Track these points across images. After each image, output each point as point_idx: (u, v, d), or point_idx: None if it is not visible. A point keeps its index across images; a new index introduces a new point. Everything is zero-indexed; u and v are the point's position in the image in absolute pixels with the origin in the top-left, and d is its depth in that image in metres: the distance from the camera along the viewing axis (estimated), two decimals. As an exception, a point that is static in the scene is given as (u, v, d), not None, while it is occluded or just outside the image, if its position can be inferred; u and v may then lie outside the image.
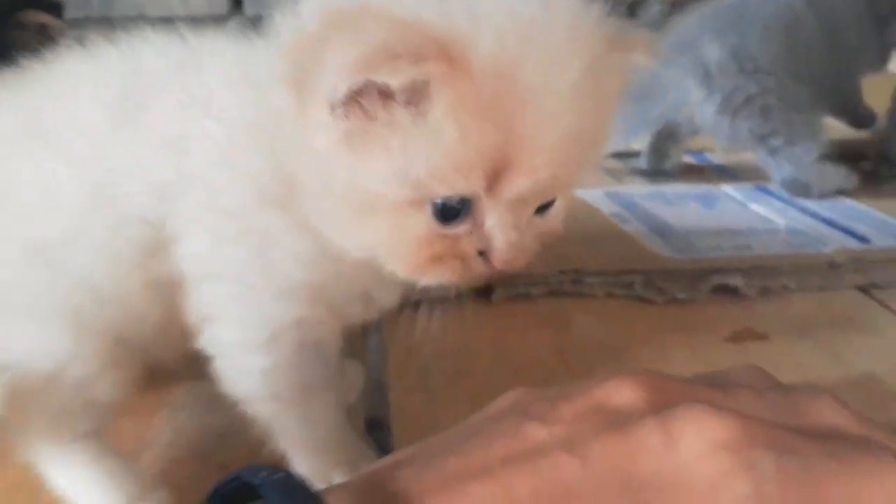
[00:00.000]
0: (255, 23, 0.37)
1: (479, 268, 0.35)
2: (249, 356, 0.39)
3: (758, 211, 0.84)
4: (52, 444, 0.41)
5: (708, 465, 0.28)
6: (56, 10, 0.88)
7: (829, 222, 0.79)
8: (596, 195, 0.88)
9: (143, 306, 0.40)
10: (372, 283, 0.40)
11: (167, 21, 0.40)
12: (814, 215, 0.81)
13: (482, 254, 0.34)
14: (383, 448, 0.46)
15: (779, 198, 0.88)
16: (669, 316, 0.62)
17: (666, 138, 0.98)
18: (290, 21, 0.34)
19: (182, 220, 0.38)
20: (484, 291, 0.64)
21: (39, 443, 0.41)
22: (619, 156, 1.07)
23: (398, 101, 0.31)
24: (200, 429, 0.49)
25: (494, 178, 0.32)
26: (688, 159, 1.06)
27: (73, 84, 0.39)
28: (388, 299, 0.42)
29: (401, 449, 0.33)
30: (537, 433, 0.30)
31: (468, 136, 0.30)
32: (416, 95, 0.30)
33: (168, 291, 0.39)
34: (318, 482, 0.33)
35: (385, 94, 0.30)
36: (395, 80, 0.29)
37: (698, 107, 0.87)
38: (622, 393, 0.32)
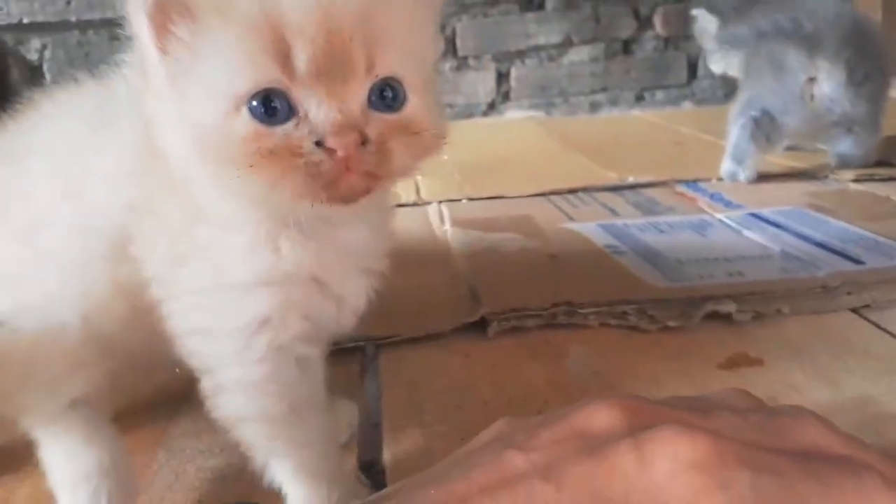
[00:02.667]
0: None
1: (321, 160, 0.35)
2: (230, 369, 0.41)
3: (752, 237, 0.84)
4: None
5: (681, 485, 0.29)
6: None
7: (823, 245, 0.79)
8: (590, 227, 0.89)
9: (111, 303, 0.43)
10: (324, 272, 0.41)
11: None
12: (807, 239, 0.82)
13: (318, 144, 0.35)
14: (378, 488, 0.47)
15: (773, 223, 0.88)
16: (663, 344, 0.62)
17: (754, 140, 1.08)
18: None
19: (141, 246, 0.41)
20: (479, 326, 0.65)
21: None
22: (615, 189, 1.09)
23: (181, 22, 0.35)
24: (198, 471, 0.49)
25: (284, 59, 0.34)
26: (681, 189, 1.07)
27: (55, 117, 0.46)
28: (355, 295, 0.44)
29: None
30: (515, 460, 0.31)
31: (242, 35, 0.34)
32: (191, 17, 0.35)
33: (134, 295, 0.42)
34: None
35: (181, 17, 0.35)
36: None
37: (824, 78, 1.03)
38: (599, 417, 0.33)
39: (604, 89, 1.98)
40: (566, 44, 1.91)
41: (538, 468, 0.30)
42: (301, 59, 0.34)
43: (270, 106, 0.35)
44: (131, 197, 0.41)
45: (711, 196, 1.04)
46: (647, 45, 1.99)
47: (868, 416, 0.51)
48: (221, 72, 0.34)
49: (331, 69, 0.34)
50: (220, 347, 0.41)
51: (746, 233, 0.86)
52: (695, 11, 1.30)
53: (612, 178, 1.14)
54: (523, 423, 0.34)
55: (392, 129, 0.36)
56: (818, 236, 0.83)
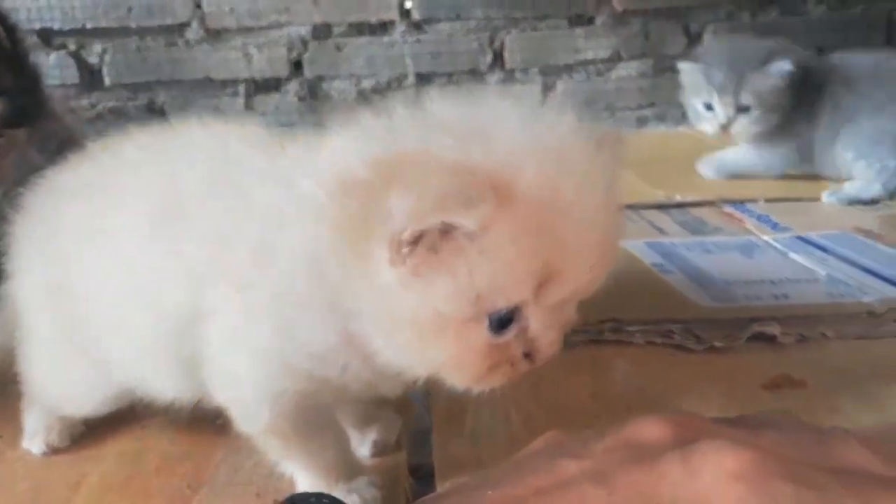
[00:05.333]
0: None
1: (523, 367, 0.38)
2: (255, 408, 0.43)
3: (798, 260, 0.84)
4: None
5: (725, 495, 0.30)
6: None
7: (870, 271, 0.79)
8: (637, 245, 0.90)
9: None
10: (375, 378, 0.42)
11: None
12: (854, 264, 0.82)
13: (527, 355, 0.38)
14: (426, 489, 0.49)
15: (819, 247, 0.88)
16: (708, 363, 0.63)
17: None
18: (331, 157, 0.39)
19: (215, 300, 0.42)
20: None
21: None
22: (662, 207, 1.10)
23: (460, 235, 0.35)
24: (255, 466, 0.52)
25: (542, 285, 0.35)
26: (728, 210, 1.08)
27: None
28: (390, 389, 0.45)
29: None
30: (568, 467, 0.33)
31: (520, 254, 0.35)
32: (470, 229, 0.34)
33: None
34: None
35: (445, 231, 0.34)
36: (465, 221, 0.34)
37: None
38: (650, 430, 0.34)
39: (651, 105, 1.98)
40: (614, 59, 1.92)
41: (589, 474, 0.32)
42: (557, 294, 0.36)
43: (506, 318, 0.36)
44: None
45: (759, 217, 1.04)
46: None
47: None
48: (481, 279, 0.35)
49: (565, 301, 0.37)
50: (254, 395, 0.43)
51: (793, 255, 0.86)
52: None
53: (659, 195, 1.15)
54: (575, 435, 0.36)
55: (570, 319, 0.40)
56: (865, 262, 0.83)
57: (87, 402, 0.52)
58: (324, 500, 0.30)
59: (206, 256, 0.41)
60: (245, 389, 0.43)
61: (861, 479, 0.34)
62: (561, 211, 0.35)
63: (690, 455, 0.32)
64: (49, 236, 0.49)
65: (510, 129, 0.36)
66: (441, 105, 0.38)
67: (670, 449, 0.33)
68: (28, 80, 0.73)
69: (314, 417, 0.45)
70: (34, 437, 0.55)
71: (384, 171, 0.34)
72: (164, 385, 0.47)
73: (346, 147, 0.38)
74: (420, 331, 0.37)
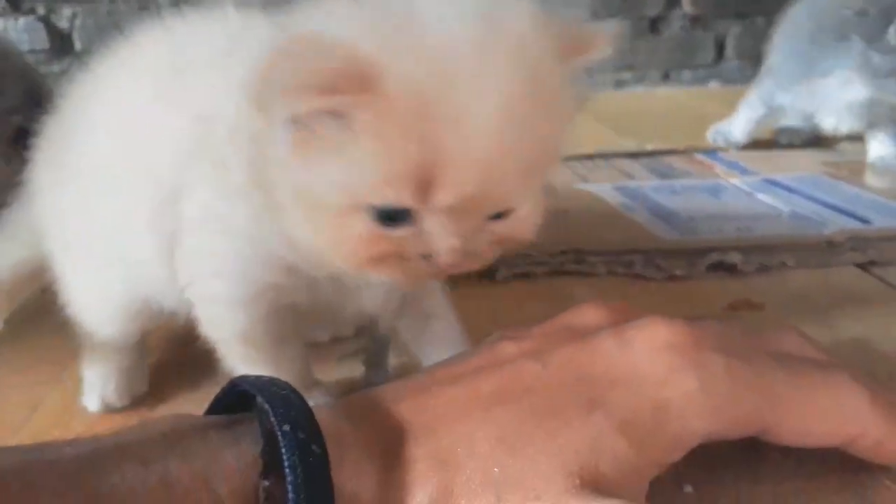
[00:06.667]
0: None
1: (424, 268, 0.36)
2: (231, 312, 0.42)
3: (764, 199, 0.85)
4: None
5: (657, 364, 0.31)
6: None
7: (833, 207, 0.80)
8: (604, 188, 0.90)
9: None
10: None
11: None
12: (818, 201, 0.83)
13: (426, 257, 0.35)
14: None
15: (786, 188, 0.89)
16: (668, 291, 0.64)
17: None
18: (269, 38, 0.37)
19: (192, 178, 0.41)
20: (487, 272, 0.67)
21: None
22: (633, 156, 1.10)
23: (328, 123, 0.33)
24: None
25: (423, 190, 0.33)
26: (699, 157, 1.08)
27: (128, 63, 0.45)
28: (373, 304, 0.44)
29: None
30: (508, 349, 0.34)
31: (389, 153, 0.33)
32: (341, 116, 0.33)
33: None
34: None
35: (316, 117, 0.33)
36: (318, 104, 0.32)
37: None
38: (586, 315, 0.35)
39: (630, 67, 1.98)
40: (591, 19, 1.91)
41: (527, 353, 0.33)
42: (440, 199, 0.33)
43: (391, 216, 0.34)
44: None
45: (729, 164, 1.04)
46: (675, 24, 1.98)
47: (862, 356, 0.53)
48: (352, 172, 0.33)
49: (464, 210, 0.34)
50: (230, 293, 0.42)
51: (759, 196, 0.87)
52: None
53: (629, 145, 1.15)
54: (518, 327, 0.37)
55: (497, 235, 0.37)
56: (829, 199, 0.83)
57: (112, 316, 0.49)
58: (277, 386, 0.31)
59: (191, 133, 0.40)
60: (223, 286, 0.42)
61: (794, 358, 0.35)
62: (439, 114, 0.32)
63: (624, 330, 0.33)
64: (65, 134, 0.48)
65: (420, 20, 0.33)
66: None
67: (605, 329, 0.34)
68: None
69: (288, 326, 0.44)
70: (90, 392, 0.51)
71: (279, 51, 0.33)
72: (164, 286, 0.45)
73: (279, 31, 0.38)
74: (304, 209, 0.36)
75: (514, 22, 0.34)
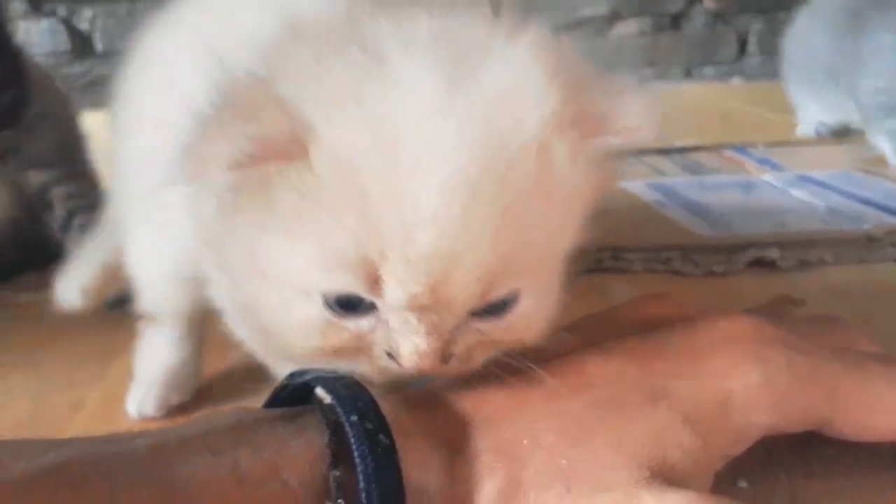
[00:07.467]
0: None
1: (393, 367, 0.29)
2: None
3: (797, 195, 0.85)
4: None
5: (719, 357, 0.31)
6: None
7: (869, 202, 0.80)
8: (637, 186, 0.90)
9: None
10: None
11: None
12: (852, 196, 0.82)
13: (391, 356, 0.29)
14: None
15: (820, 184, 0.88)
16: (706, 287, 0.64)
17: None
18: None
19: None
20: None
21: None
22: (663, 152, 1.09)
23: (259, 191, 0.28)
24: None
25: (374, 281, 0.27)
26: (729, 154, 1.08)
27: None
28: None
29: None
30: (567, 340, 0.34)
31: (322, 234, 0.28)
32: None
33: None
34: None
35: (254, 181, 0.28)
36: (238, 174, 0.28)
37: None
38: (647, 307, 0.36)
39: (651, 64, 1.97)
40: (613, 17, 1.91)
41: (588, 344, 0.33)
42: (391, 296, 0.28)
43: (351, 303, 0.29)
44: None
45: (759, 161, 1.04)
46: (697, 21, 1.97)
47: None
48: (296, 253, 0.28)
49: (435, 303, 0.28)
50: None
51: (793, 192, 0.86)
52: None
53: (658, 142, 1.15)
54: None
55: (488, 336, 0.30)
56: (865, 194, 0.83)
57: (164, 277, 0.45)
58: (342, 379, 0.31)
59: None
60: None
61: (853, 352, 0.34)
62: (373, 191, 0.26)
63: (685, 323, 0.33)
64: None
65: (380, 76, 0.27)
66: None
67: (666, 322, 0.34)
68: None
69: None
70: (133, 397, 0.47)
71: (223, 98, 0.29)
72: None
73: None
74: (249, 278, 0.31)
75: (498, 80, 0.28)
